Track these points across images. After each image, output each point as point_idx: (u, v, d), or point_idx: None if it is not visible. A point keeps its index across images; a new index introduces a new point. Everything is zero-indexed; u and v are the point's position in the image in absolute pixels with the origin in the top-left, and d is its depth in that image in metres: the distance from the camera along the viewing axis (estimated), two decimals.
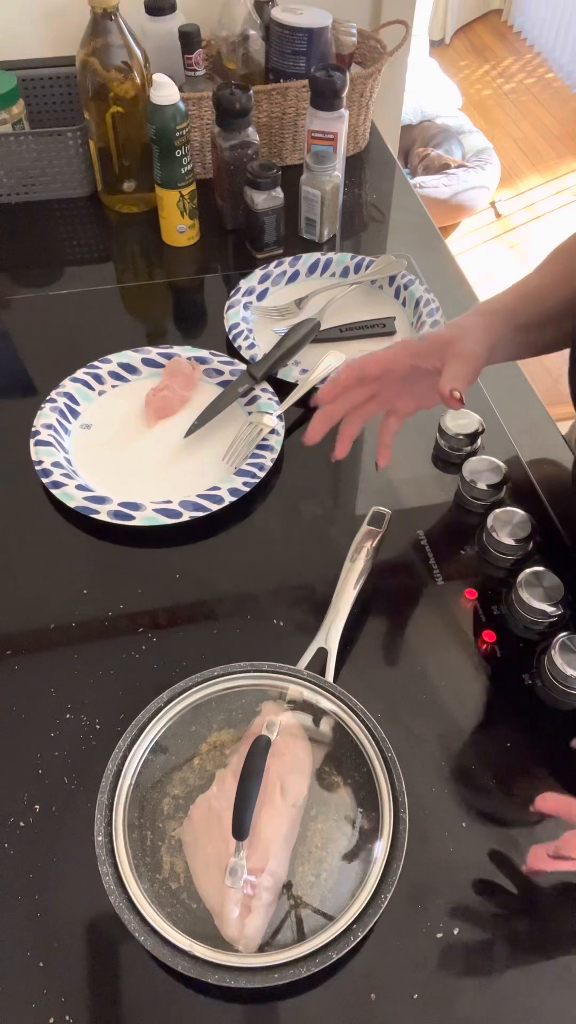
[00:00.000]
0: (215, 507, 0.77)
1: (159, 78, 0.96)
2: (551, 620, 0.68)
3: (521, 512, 0.74)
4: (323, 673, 0.65)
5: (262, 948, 0.53)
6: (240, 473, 0.80)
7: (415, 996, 0.53)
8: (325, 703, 0.62)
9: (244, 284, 1.00)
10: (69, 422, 0.87)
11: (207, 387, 0.91)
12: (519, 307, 0.70)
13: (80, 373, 0.90)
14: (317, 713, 0.62)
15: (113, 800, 0.57)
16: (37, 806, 0.61)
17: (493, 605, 0.71)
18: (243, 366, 0.90)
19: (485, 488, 0.77)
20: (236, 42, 1.14)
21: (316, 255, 1.05)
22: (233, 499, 0.78)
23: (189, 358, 0.92)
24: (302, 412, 0.89)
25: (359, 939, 0.52)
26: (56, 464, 0.80)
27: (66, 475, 0.80)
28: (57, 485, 0.78)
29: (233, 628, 0.71)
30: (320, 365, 0.89)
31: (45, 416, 0.85)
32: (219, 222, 1.13)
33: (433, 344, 0.67)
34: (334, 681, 0.64)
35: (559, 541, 0.76)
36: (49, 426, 0.84)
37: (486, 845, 0.59)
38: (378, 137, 1.31)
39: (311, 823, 0.58)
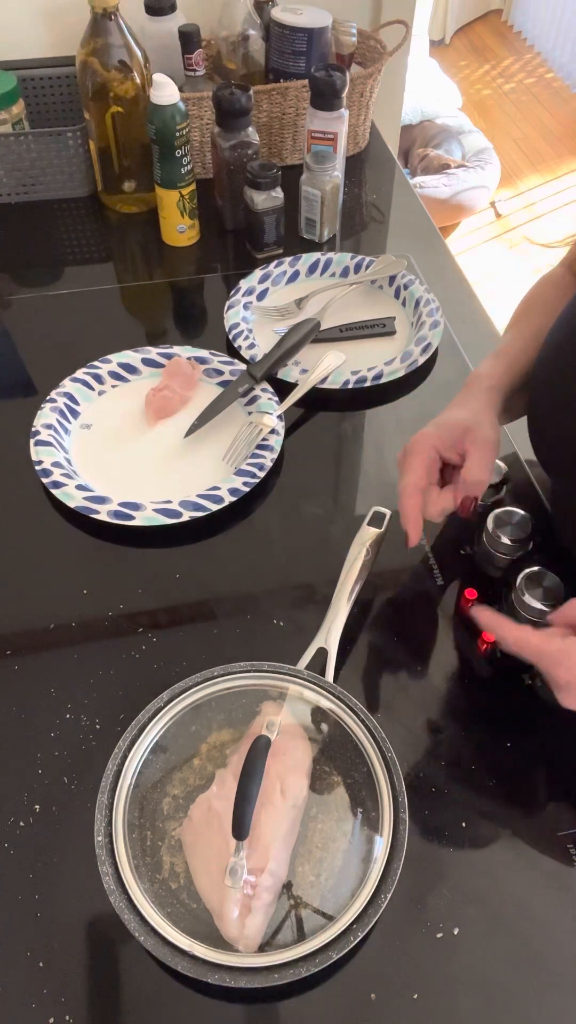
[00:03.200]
0: (215, 507, 0.77)
1: (159, 78, 0.96)
2: None
3: (521, 512, 0.74)
4: (323, 673, 0.65)
5: (262, 948, 0.53)
6: (240, 473, 0.80)
7: (415, 996, 0.53)
8: (325, 703, 0.62)
9: (244, 284, 1.00)
10: (69, 422, 0.87)
11: (207, 387, 0.91)
12: (508, 378, 0.72)
13: (80, 373, 0.90)
14: (317, 713, 0.62)
15: (113, 800, 0.57)
16: (37, 806, 0.61)
17: (493, 605, 0.71)
18: (243, 366, 0.90)
19: (485, 488, 0.77)
20: (236, 42, 1.14)
21: (316, 255, 1.05)
22: (233, 499, 0.78)
23: (189, 358, 0.92)
24: (302, 412, 0.89)
25: (359, 939, 0.52)
26: (56, 464, 0.80)
27: (66, 475, 0.80)
28: (57, 485, 0.78)
29: (233, 628, 0.71)
30: (320, 365, 0.89)
31: (45, 416, 0.85)
32: (219, 222, 1.13)
33: (453, 434, 0.68)
34: (334, 681, 0.64)
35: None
36: (49, 426, 0.84)
37: (486, 845, 0.59)
38: (378, 137, 1.31)
39: (311, 823, 0.58)
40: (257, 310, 1.00)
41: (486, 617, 0.61)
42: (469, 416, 0.68)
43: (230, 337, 0.95)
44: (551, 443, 0.69)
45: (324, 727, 0.62)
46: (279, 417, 0.85)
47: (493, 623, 0.60)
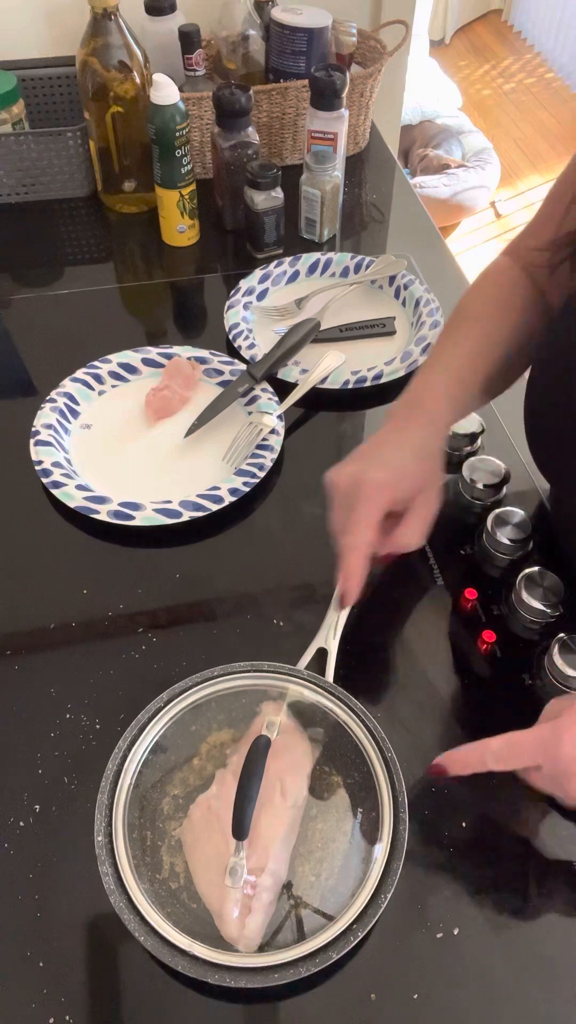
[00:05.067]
0: (215, 507, 0.77)
1: (159, 78, 0.96)
2: (551, 620, 0.68)
3: (521, 512, 0.74)
4: (323, 673, 0.65)
5: (262, 948, 0.53)
6: (240, 473, 0.80)
7: (415, 996, 0.53)
8: (325, 703, 0.62)
9: (244, 284, 1.00)
10: (69, 422, 0.87)
11: (207, 387, 0.91)
12: (454, 407, 0.67)
13: (80, 373, 0.90)
14: (317, 713, 0.62)
15: (113, 800, 0.57)
16: (37, 806, 0.61)
17: (493, 605, 0.71)
18: (243, 366, 0.90)
19: (485, 488, 0.77)
20: (236, 42, 1.14)
21: (316, 255, 1.05)
22: (233, 499, 0.78)
23: (189, 358, 0.92)
24: (302, 412, 0.89)
25: (359, 939, 0.52)
26: (56, 464, 0.80)
27: (66, 475, 0.80)
28: (57, 485, 0.78)
29: (233, 628, 0.71)
30: (320, 365, 0.89)
31: (45, 416, 0.85)
32: (219, 222, 1.13)
33: (409, 491, 0.62)
34: (334, 681, 0.64)
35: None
36: (49, 426, 0.84)
37: (486, 845, 0.59)
38: (378, 137, 1.31)
39: (311, 823, 0.58)
40: (257, 310, 1.00)
41: (457, 760, 0.55)
42: (424, 469, 0.62)
43: (230, 337, 0.95)
44: (549, 451, 0.68)
45: (324, 727, 0.62)
46: (279, 417, 0.85)
47: (467, 757, 0.55)
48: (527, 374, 0.71)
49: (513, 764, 0.53)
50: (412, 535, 0.61)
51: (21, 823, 0.60)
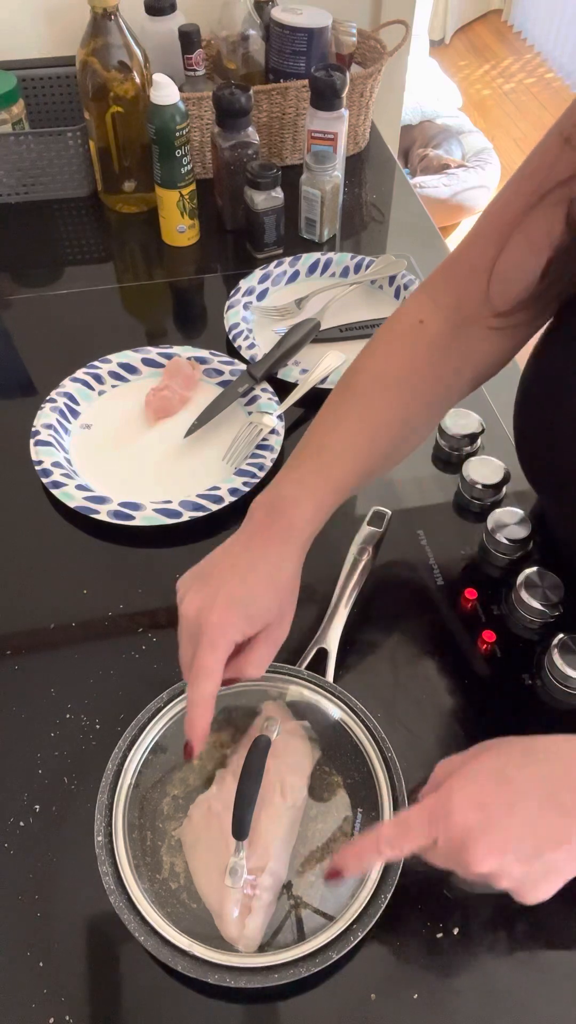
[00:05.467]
0: (215, 507, 0.77)
1: (159, 78, 0.96)
2: (551, 620, 0.68)
3: (521, 512, 0.74)
4: (323, 673, 0.65)
5: (262, 948, 0.53)
6: (240, 473, 0.80)
7: (415, 996, 0.53)
8: (325, 703, 0.62)
9: (244, 284, 1.00)
10: (69, 422, 0.87)
11: (207, 387, 0.91)
12: (327, 514, 0.61)
13: (80, 373, 0.90)
14: (317, 713, 0.62)
15: (113, 800, 0.57)
16: (37, 806, 0.61)
17: (493, 605, 0.71)
18: (243, 366, 0.90)
19: (485, 488, 0.77)
20: (236, 42, 1.14)
21: (316, 255, 1.05)
22: (233, 499, 0.78)
23: (189, 358, 0.92)
24: (302, 412, 0.89)
25: (359, 939, 0.52)
26: (56, 464, 0.80)
27: (66, 475, 0.80)
28: (57, 485, 0.78)
29: None
30: (320, 365, 0.89)
31: (45, 416, 0.85)
32: (219, 222, 1.13)
33: (256, 627, 0.56)
34: (334, 681, 0.64)
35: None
36: (49, 426, 0.84)
37: None
38: (378, 137, 1.31)
39: (311, 823, 0.58)
40: (257, 310, 1.00)
41: (350, 857, 0.49)
42: (274, 603, 0.56)
43: (230, 337, 0.95)
44: (538, 467, 0.67)
45: (324, 727, 0.62)
46: (279, 417, 0.85)
47: (361, 850, 0.49)
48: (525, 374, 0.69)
49: (408, 846, 0.47)
50: (253, 668, 0.56)
51: (21, 823, 0.60)
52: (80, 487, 0.79)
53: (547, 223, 0.57)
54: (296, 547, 0.58)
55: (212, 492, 0.78)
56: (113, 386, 0.91)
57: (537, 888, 0.46)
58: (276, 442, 0.83)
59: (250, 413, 0.87)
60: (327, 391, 0.88)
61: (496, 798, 0.46)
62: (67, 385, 0.88)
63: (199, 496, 0.78)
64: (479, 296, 0.62)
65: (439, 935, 0.55)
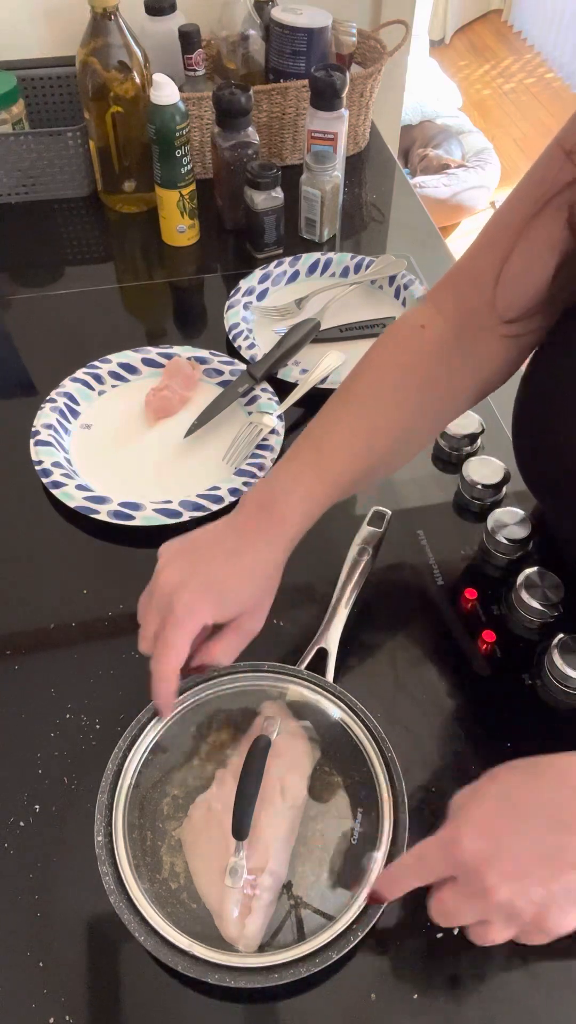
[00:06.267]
0: (215, 507, 0.77)
1: (159, 78, 0.96)
2: (551, 620, 0.68)
3: (521, 512, 0.74)
4: (323, 673, 0.65)
5: (262, 948, 0.53)
6: (240, 473, 0.80)
7: (415, 996, 0.53)
8: (325, 703, 0.62)
9: (244, 284, 1.00)
10: (69, 422, 0.87)
11: (207, 387, 0.91)
12: (318, 513, 0.61)
13: (80, 373, 0.90)
14: (317, 713, 0.62)
15: (113, 800, 0.57)
16: (37, 806, 0.61)
17: (493, 605, 0.71)
18: (243, 366, 0.90)
19: (485, 488, 0.77)
20: (236, 42, 1.14)
21: (316, 255, 1.05)
22: (233, 499, 0.78)
23: (189, 358, 0.92)
24: (302, 412, 0.89)
25: (359, 939, 0.52)
26: (56, 464, 0.80)
27: (66, 475, 0.80)
28: (57, 485, 0.78)
29: None
30: (320, 365, 0.89)
31: (45, 416, 0.85)
32: (219, 222, 1.13)
33: (229, 614, 0.57)
34: (334, 681, 0.64)
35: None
36: (49, 426, 0.84)
37: None
38: (378, 137, 1.31)
39: (311, 823, 0.58)
40: (257, 310, 1.00)
41: (386, 884, 0.51)
42: (251, 594, 0.57)
43: (230, 337, 0.95)
44: (536, 472, 0.67)
45: (324, 727, 0.62)
46: (279, 417, 0.85)
47: (394, 879, 0.50)
48: (523, 380, 0.69)
49: (428, 877, 0.48)
50: (222, 655, 0.56)
51: (21, 823, 0.60)
52: (80, 487, 0.79)
53: (549, 230, 0.57)
54: (283, 541, 0.59)
55: (212, 492, 0.78)
56: (113, 386, 0.91)
57: (563, 911, 0.45)
58: (276, 442, 0.83)
59: (250, 413, 0.87)
60: (327, 391, 0.88)
61: (504, 824, 0.46)
62: (67, 385, 0.88)
63: (199, 496, 0.78)
64: (484, 304, 0.62)
65: (439, 935, 0.55)
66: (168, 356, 0.92)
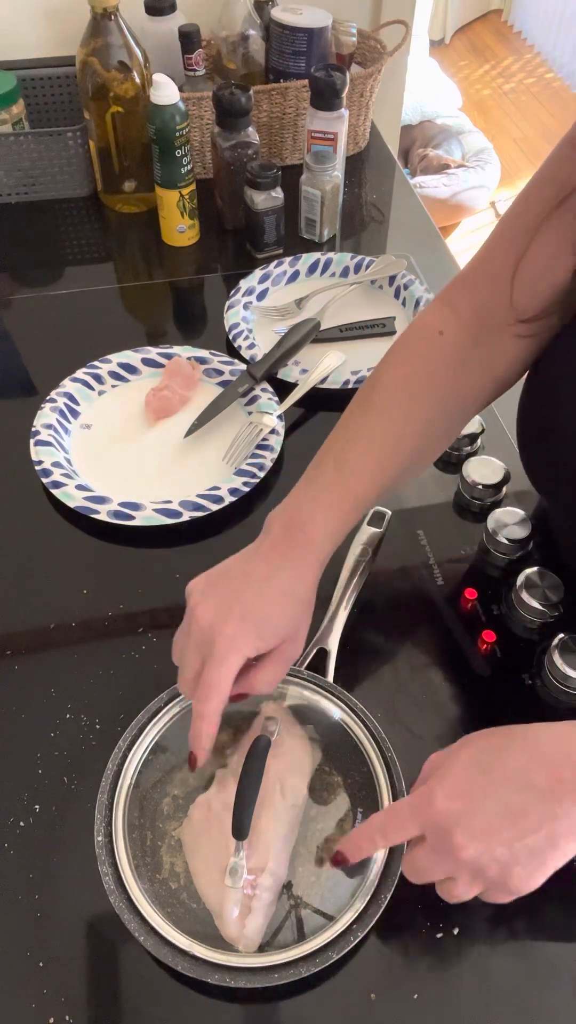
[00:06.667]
0: (215, 507, 0.77)
1: (159, 78, 0.96)
2: (551, 620, 0.68)
3: (521, 512, 0.74)
4: (323, 673, 0.65)
5: (262, 948, 0.53)
6: (240, 473, 0.80)
7: (415, 996, 0.53)
8: (325, 703, 0.62)
9: (244, 284, 1.00)
10: (69, 422, 0.87)
11: (207, 387, 0.91)
12: (344, 531, 0.60)
13: (80, 373, 0.90)
14: (317, 713, 0.62)
15: (113, 800, 0.57)
16: (37, 806, 0.61)
17: (493, 605, 0.71)
18: (243, 366, 0.90)
19: (485, 488, 0.77)
20: (236, 42, 1.14)
21: (316, 255, 1.05)
22: (233, 499, 0.78)
23: (189, 358, 0.92)
24: (302, 412, 0.89)
25: (359, 939, 0.52)
26: (56, 464, 0.80)
27: (66, 475, 0.80)
28: (57, 485, 0.78)
29: None
30: (320, 365, 0.89)
31: (45, 416, 0.85)
32: (219, 222, 1.13)
33: (270, 644, 0.55)
34: (334, 681, 0.64)
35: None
36: (49, 426, 0.84)
37: None
38: (378, 137, 1.31)
39: (311, 823, 0.58)
40: (257, 310, 1.00)
41: (350, 845, 0.52)
42: (289, 620, 0.56)
43: (230, 337, 0.95)
44: (542, 471, 0.67)
45: (324, 727, 0.62)
46: (279, 417, 0.85)
47: (359, 839, 0.51)
48: (526, 383, 0.69)
49: (398, 834, 0.50)
50: (262, 685, 0.56)
51: (21, 823, 0.60)
52: (80, 487, 0.79)
53: (563, 230, 0.58)
54: (313, 563, 0.58)
55: (212, 492, 0.78)
56: (113, 386, 0.91)
57: (527, 871, 0.47)
58: (276, 442, 0.83)
59: (250, 413, 0.87)
60: (327, 391, 0.89)
61: (476, 786, 0.47)
62: (67, 385, 0.88)
63: (199, 496, 0.78)
64: (501, 304, 0.61)
65: (439, 935, 0.55)
66: (168, 356, 0.92)
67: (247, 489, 0.79)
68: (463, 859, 0.47)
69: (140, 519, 0.76)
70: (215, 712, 0.53)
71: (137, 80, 1.03)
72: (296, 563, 0.57)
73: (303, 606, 0.57)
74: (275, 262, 1.03)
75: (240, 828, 0.54)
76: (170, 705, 0.62)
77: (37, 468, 0.80)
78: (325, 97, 1.02)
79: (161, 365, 0.92)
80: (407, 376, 0.64)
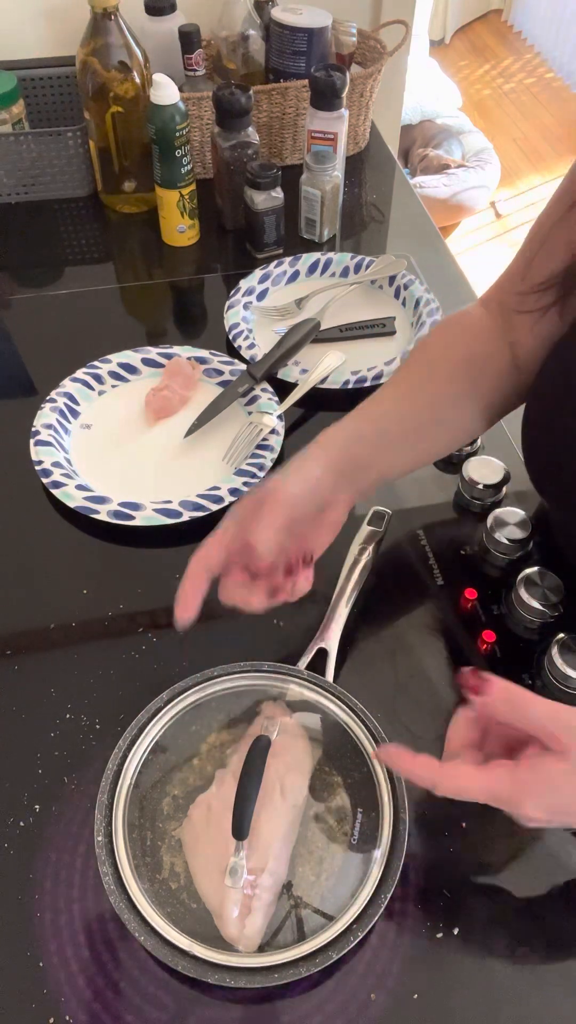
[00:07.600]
0: (215, 507, 0.77)
1: (159, 78, 0.96)
2: (551, 620, 0.68)
3: (521, 512, 0.74)
4: (323, 673, 0.65)
5: (262, 948, 0.53)
6: (240, 473, 0.80)
7: (415, 996, 0.53)
8: (325, 703, 0.62)
9: (244, 284, 1.00)
10: (69, 422, 0.87)
11: (207, 387, 0.91)
12: (351, 451, 0.63)
13: (80, 373, 0.90)
14: (317, 713, 0.62)
15: (113, 800, 0.57)
16: (37, 806, 0.61)
17: (493, 605, 0.71)
18: (243, 366, 0.90)
19: (485, 488, 0.77)
20: (236, 42, 1.14)
21: (316, 255, 1.05)
22: (233, 499, 0.78)
23: (189, 358, 0.92)
24: (302, 412, 0.89)
25: (359, 939, 0.52)
26: (56, 464, 0.80)
27: (66, 475, 0.80)
28: (57, 485, 0.78)
29: (233, 628, 0.71)
30: (320, 365, 0.89)
31: (45, 416, 0.85)
32: (219, 222, 1.13)
33: (306, 512, 0.59)
34: (334, 681, 0.64)
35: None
36: (49, 426, 0.84)
37: (486, 845, 0.59)
38: (378, 137, 1.31)
39: (311, 823, 0.58)
40: (257, 310, 1.00)
41: (404, 766, 0.51)
42: (332, 482, 0.61)
43: (230, 337, 0.95)
44: (547, 475, 0.68)
45: (324, 727, 0.62)
46: (279, 417, 0.85)
47: (414, 769, 0.50)
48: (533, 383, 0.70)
49: (459, 797, 0.49)
50: (319, 546, 0.61)
51: (21, 823, 0.60)
52: (80, 487, 0.79)
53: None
54: (322, 455, 0.62)
55: (212, 492, 0.78)
56: (113, 386, 0.91)
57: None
58: (276, 442, 0.83)
59: (250, 413, 0.87)
60: (327, 391, 0.89)
61: (570, 804, 0.48)
62: (67, 385, 0.88)
63: (199, 496, 0.78)
64: (519, 293, 0.65)
65: (439, 935, 0.55)
66: (168, 356, 0.92)
67: (247, 489, 0.79)
68: (526, 820, 0.48)
69: (140, 519, 0.76)
70: (194, 572, 0.58)
71: (137, 80, 1.03)
72: (304, 457, 0.62)
73: (316, 483, 0.60)
74: (275, 262, 1.03)
75: (240, 828, 0.54)
76: (170, 705, 0.62)
77: (37, 468, 0.80)
78: (325, 97, 1.02)
79: (161, 365, 0.92)
80: (434, 350, 0.69)
